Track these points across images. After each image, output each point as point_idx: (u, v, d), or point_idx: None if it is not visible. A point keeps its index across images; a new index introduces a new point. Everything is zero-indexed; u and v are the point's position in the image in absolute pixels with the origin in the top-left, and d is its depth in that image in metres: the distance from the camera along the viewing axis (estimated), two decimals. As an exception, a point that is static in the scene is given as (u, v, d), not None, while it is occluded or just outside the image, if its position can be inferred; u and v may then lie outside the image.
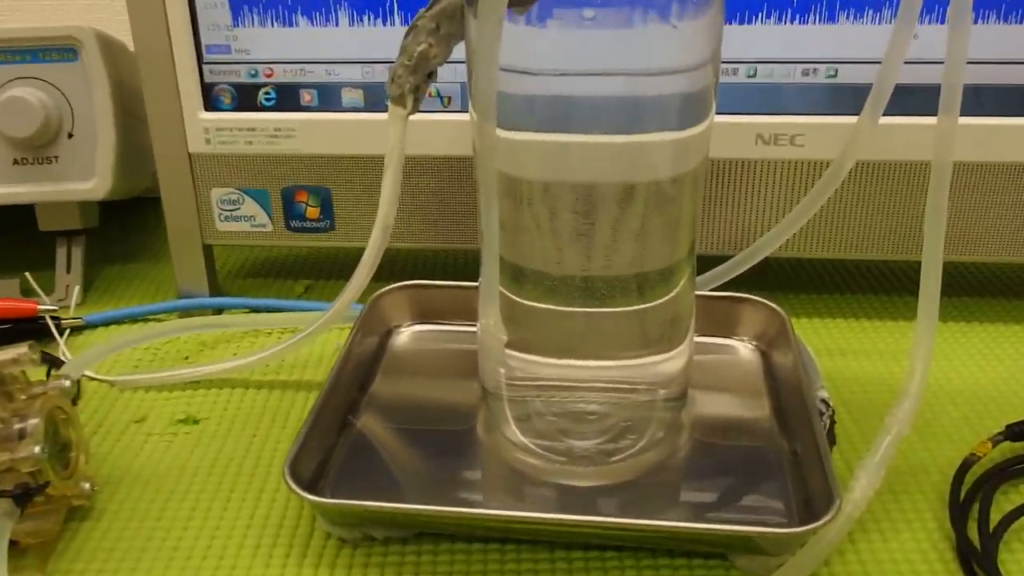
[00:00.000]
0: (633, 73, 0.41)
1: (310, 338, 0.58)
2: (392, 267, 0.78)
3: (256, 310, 0.71)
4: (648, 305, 0.48)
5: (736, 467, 0.49)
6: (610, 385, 0.49)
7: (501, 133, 0.42)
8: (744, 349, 0.60)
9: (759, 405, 0.55)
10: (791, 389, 0.54)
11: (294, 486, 0.44)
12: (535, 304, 0.48)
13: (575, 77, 0.41)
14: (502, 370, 0.50)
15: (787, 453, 0.50)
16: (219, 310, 0.71)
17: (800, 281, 0.74)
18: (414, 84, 0.48)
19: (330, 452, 0.51)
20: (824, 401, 0.54)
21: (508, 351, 0.49)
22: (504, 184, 0.45)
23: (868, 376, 0.61)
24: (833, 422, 0.54)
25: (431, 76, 0.48)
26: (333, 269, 0.79)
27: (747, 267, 0.61)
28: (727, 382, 0.57)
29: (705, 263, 0.63)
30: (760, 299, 0.60)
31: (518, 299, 0.48)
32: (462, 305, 0.62)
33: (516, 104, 0.42)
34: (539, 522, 0.45)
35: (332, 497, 0.47)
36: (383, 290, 0.62)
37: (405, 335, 0.62)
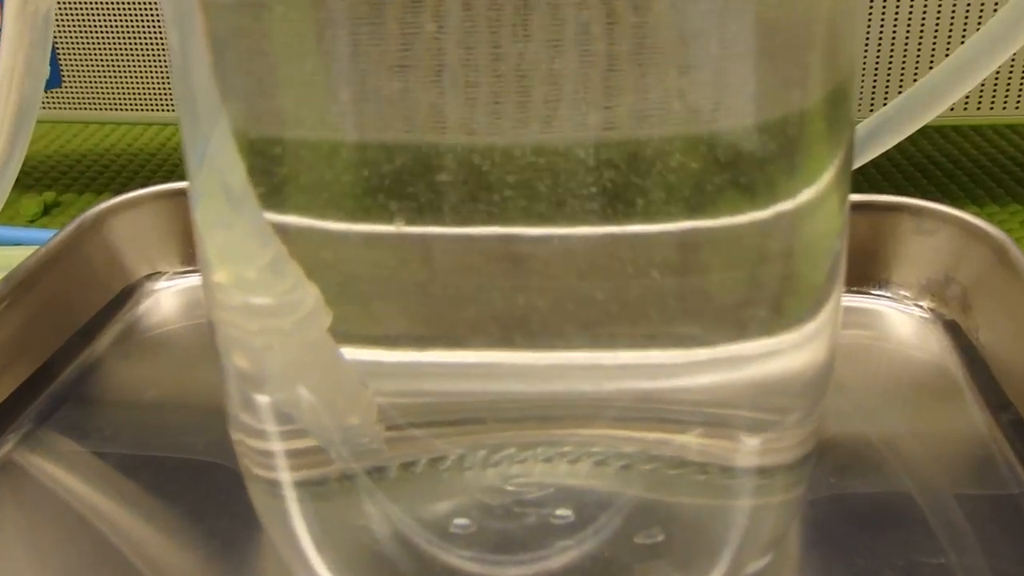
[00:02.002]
0: None
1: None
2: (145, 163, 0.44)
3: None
4: (709, 223, 0.16)
5: None
6: (615, 419, 0.18)
7: None
8: (906, 317, 0.27)
9: (971, 459, 0.22)
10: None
11: None
12: (366, 228, 0.15)
13: None
14: (259, 399, 0.17)
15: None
16: None
17: (994, 174, 0.40)
18: None
19: None
20: None
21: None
22: None
23: None
24: None
25: None
26: (94, 170, 0.45)
27: (915, 126, 0.27)
28: (880, 396, 0.24)
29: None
30: (939, 206, 0.27)
31: (314, 221, 0.15)
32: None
33: None
34: None
35: None
36: (113, 201, 0.29)
37: (166, 296, 0.29)
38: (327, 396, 0.18)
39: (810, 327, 0.17)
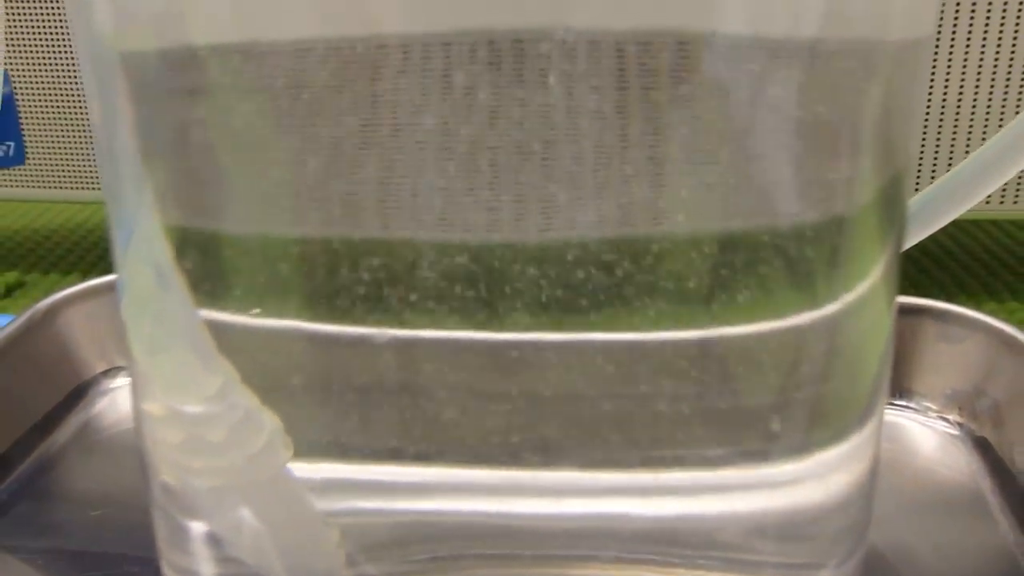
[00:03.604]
0: None
1: None
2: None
3: None
4: (737, 331, 0.13)
5: None
6: (616, 559, 0.15)
7: None
8: (931, 431, 0.25)
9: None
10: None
11: None
12: (346, 329, 0.13)
13: None
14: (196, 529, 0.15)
15: None
16: None
17: (1013, 268, 0.38)
18: None
19: None
20: None
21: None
22: None
23: None
24: None
25: None
26: (63, 249, 0.43)
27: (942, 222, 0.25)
28: (902, 518, 0.22)
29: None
30: (966, 310, 0.25)
31: (258, 320, 0.13)
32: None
33: None
34: None
35: None
36: (67, 292, 0.27)
37: (124, 394, 0.27)
38: (285, 540, 0.15)
39: (855, 445, 0.15)
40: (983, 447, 0.24)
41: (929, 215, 0.20)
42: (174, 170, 0.14)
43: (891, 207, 0.15)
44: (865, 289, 0.15)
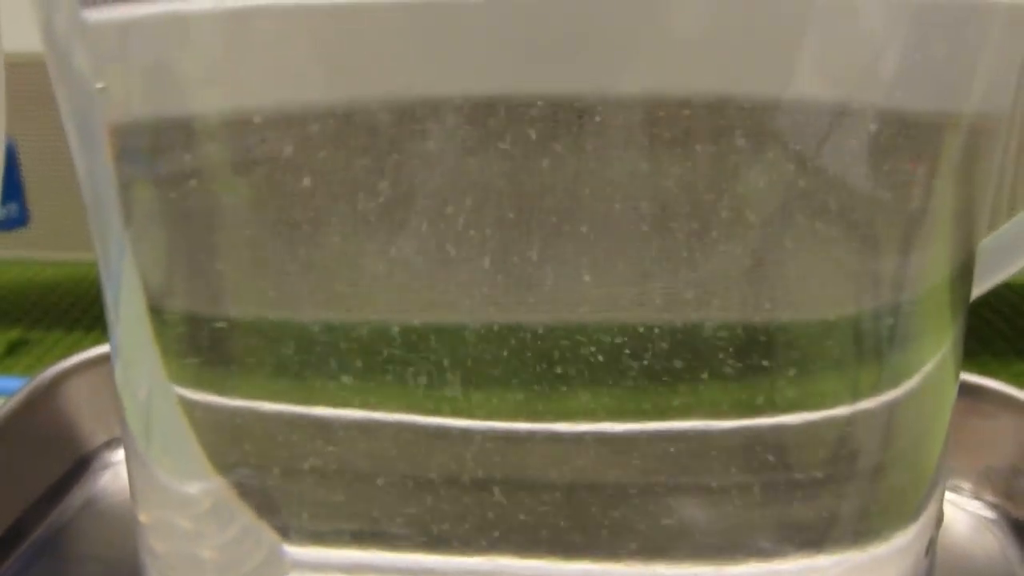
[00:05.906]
0: None
1: None
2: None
3: None
4: (787, 419, 0.13)
5: None
6: None
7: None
8: (963, 514, 0.24)
9: None
10: None
11: None
12: (337, 413, 0.13)
13: None
14: None
15: None
16: None
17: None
18: None
19: None
20: None
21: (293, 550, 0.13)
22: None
23: None
24: None
25: None
26: (66, 304, 0.42)
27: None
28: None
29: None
30: (1000, 385, 0.24)
31: (284, 406, 0.12)
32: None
33: None
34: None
35: None
36: (71, 361, 0.26)
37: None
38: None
39: (905, 541, 0.14)
40: (1021, 531, 0.23)
41: (1003, 258, 0.19)
42: (159, 239, 0.14)
43: (963, 282, 0.14)
44: (932, 369, 0.14)
